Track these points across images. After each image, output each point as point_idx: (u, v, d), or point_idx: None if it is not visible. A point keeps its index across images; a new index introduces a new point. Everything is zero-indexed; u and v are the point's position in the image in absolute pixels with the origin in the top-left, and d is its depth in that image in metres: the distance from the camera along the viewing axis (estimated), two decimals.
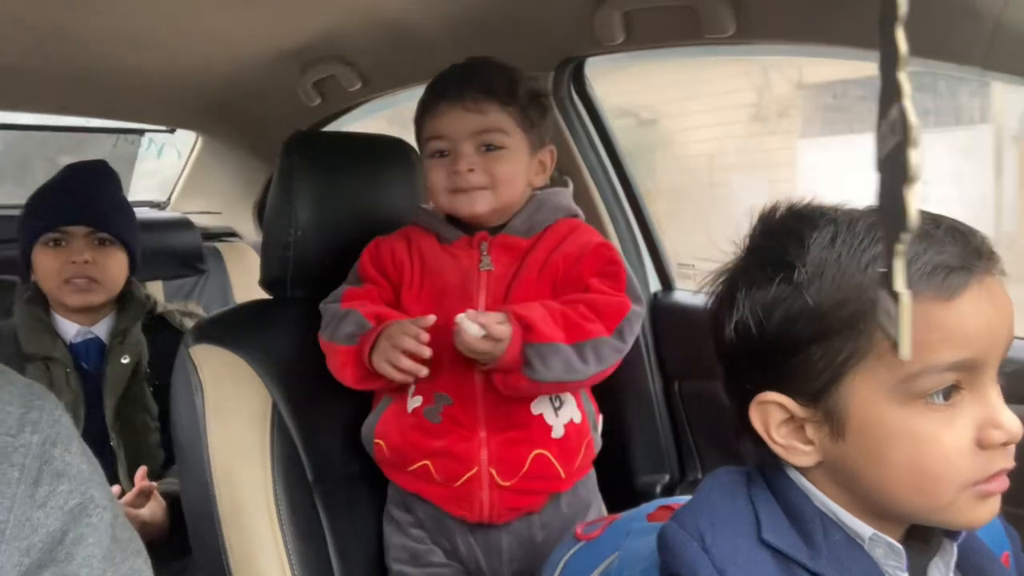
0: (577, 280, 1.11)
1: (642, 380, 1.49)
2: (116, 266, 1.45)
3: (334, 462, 1.20)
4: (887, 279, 0.41)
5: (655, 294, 1.55)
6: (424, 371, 1.04)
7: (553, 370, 1.02)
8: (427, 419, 1.10)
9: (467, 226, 1.14)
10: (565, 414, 1.13)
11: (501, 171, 1.09)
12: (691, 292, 1.56)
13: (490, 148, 1.09)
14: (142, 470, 1.29)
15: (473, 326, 0.99)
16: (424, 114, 1.13)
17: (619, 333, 1.07)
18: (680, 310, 1.52)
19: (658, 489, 1.45)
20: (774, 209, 0.66)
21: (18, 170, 2.34)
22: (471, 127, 1.08)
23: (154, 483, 1.29)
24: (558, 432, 1.12)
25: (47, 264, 1.41)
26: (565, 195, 1.20)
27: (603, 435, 1.22)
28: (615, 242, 1.53)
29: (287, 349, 1.22)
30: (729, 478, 0.66)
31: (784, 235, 0.63)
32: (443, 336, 1.05)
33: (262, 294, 1.32)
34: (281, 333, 1.23)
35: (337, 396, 1.21)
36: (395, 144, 1.32)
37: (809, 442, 0.62)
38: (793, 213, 0.65)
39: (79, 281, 1.40)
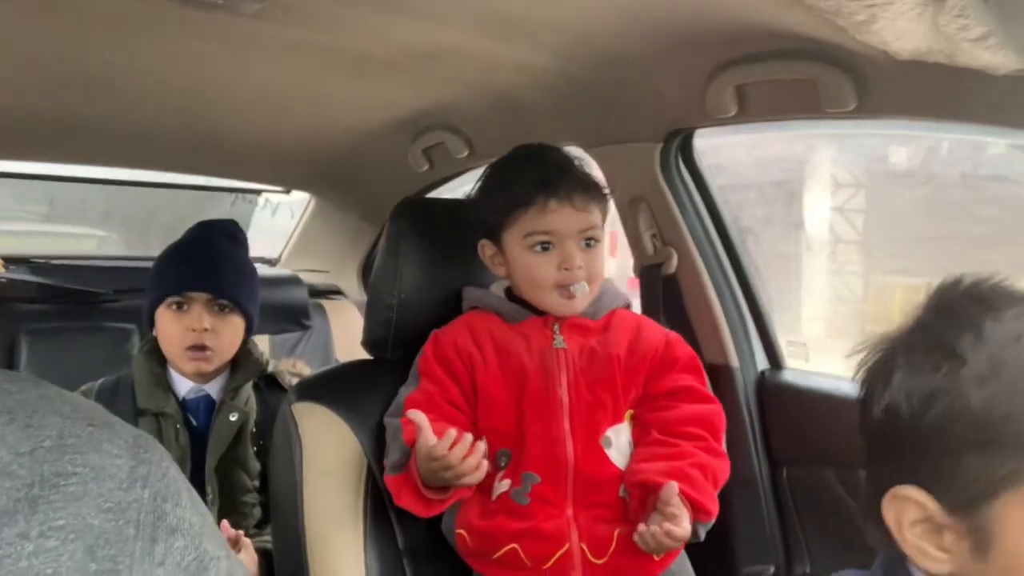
0: (671, 366, 1.17)
1: (746, 464, 1.41)
2: (232, 333, 1.47)
3: (425, 531, 1.18)
4: None
5: (762, 372, 1.48)
6: (485, 465, 1.05)
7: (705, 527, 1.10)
8: (515, 501, 1.10)
9: (532, 307, 1.17)
10: None
11: (597, 264, 1.16)
12: (801, 372, 1.49)
13: (588, 244, 1.15)
14: (225, 522, 1.29)
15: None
16: (526, 208, 1.14)
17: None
18: (789, 391, 1.45)
19: None
20: (955, 283, 0.59)
21: (145, 224, 2.49)
22: (579, 226, 1.13)
23: (240, 531, 1.29)
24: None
25: (168, 328, 1.45)
26: (615, 283, 1.25)
27: None
28: (721, 316, 1.48)
29: (383, 411, 1.21)
30: None
31: (959, 319, 0.56)
32: (524, 416, 1.11)
33: (362, 351, 1.33)
34: (379, 395, 1.23)
35: None
36: None
37: (945, 550, 0.55)
38: (975, 293, 0.57)
39: (195, 350, 1.43)
